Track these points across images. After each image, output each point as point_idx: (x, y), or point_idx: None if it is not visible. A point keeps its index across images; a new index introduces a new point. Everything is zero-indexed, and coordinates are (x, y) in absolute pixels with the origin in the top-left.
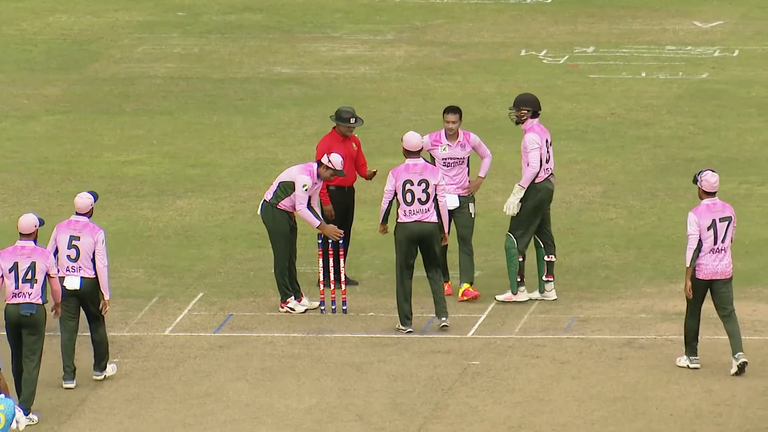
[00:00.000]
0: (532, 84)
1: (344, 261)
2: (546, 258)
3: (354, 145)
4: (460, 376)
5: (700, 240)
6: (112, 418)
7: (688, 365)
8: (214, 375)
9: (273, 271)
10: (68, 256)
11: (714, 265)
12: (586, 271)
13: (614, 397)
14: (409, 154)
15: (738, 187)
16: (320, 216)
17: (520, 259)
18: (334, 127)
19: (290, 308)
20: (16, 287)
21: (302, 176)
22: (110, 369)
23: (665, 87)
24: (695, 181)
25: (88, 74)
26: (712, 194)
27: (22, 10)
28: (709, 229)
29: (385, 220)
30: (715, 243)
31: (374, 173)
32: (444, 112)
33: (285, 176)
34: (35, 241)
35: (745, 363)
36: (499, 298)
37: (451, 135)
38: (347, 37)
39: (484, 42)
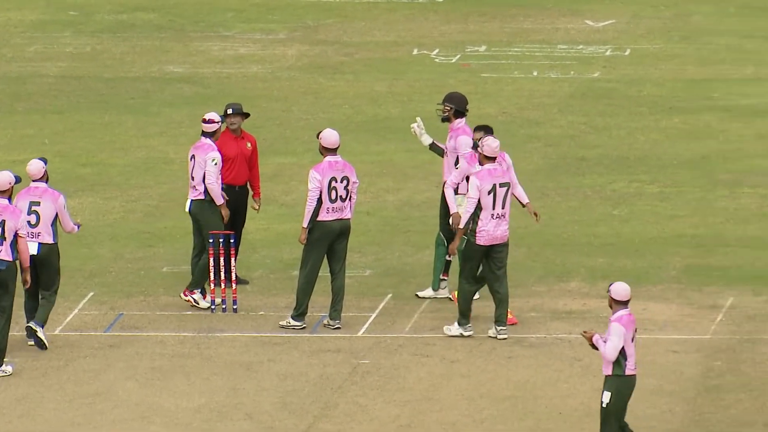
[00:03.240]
0: (423, 83)
1: (235, 260)
2: (447, 257)
3: (249, 144)
4: (349, 375)
5: (479, 204)
6: (1, 418)
7: (462, 333)
8: (104, 374)
9: (194, 259)
10: (28, 222)
11: (494, 231)
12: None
13: (504, 396)
14: (327, 151)
15: (628, 186)
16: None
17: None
18: (227, 126)
19: (194, 300)
20: None
21: (210, 153)
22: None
23: (557, 86)
24: (475, 146)
25: None
26: (492, 159)
27: None
28: (489, 193)
29: (312, 222)
30: (494, 208)
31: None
32: (473, 131)
33: (201, 170)
34: (9, 200)
35: (504, 339)
36: (421, 294)
37: None
38: (239, 36)
39: (376, 41)
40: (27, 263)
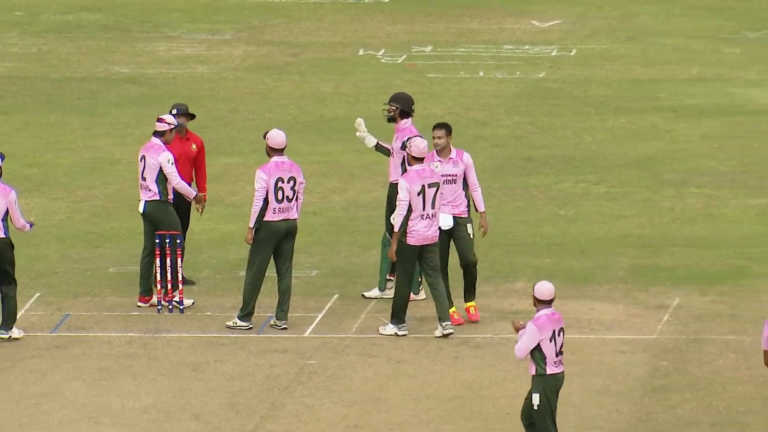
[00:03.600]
0: (370, 84)
1: (181, 260)
2: None
3: (194, 146)
4: (296, 375)
5: (410, 206)
6: None
7: (396, 333)
8: (50, 375)
9: (144, 260)
10: None
11: (425, 232)
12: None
13: (450, 396)
14: (274, 151)
15: (575, 186)
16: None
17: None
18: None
19: (176, 302)
20: None
21: (163, 154)
22: (17, 332)
23: (503, 86)
24: (403, 147)
25: None
26: (420, 160)
27: None
28: (419, 194)
29: (258, 222)
30: (424, 209)
31: (202, 207)
32: (432, 129)
33: (152, 172)
34: None
35: (450, 333)
36: (367, 294)
37: (442, 151)
38: (185, 37)
39: (322, 41)
40: None
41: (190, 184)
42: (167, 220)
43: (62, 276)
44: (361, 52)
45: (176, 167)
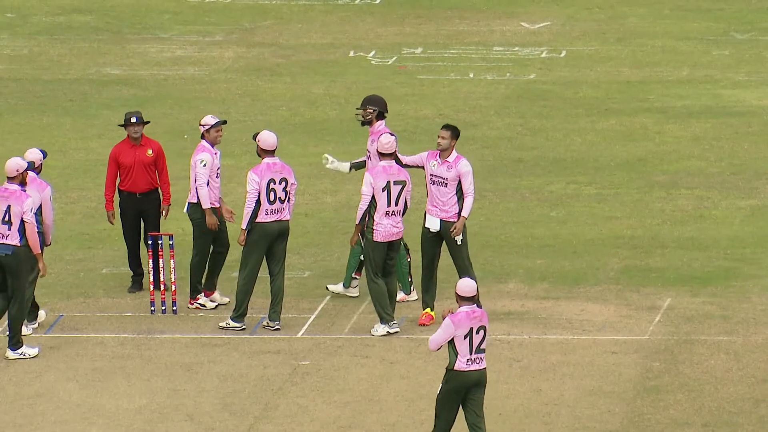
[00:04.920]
0: (360, 85)
1: (174, 262)
2: (361, 257)
3: (150, 151)
4: (290, 376)
5: (374, 200)
6: None
7: (388, 331)
8: (44, 375)
9: (189, 263)
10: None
11: (390, 228)
12: (414, 272)
13: None
14: (265, 153)
15: (566, 188)
16: (218, 200)
17: (408, 260)
18: (128, 134)
19: (200, 304)
20: None
21: (200, 154)
22: (24, 329)
23: (493, 88)
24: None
25: None
26: (388, 156)
27: None
28: (383, 190)
29: (250, 224)
30: (389, 205)
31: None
32: (443, 129)
33: (193, 174)
34: (22, 185)
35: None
36: (331, 287)
37: (443, 152)
38: (176, 39)
39: (313, 43)
40: (37, 249)
41: (149, 190)
42: (203, 225)
43: (55, 277)
44: (351, 54)
45: (131, 174)
